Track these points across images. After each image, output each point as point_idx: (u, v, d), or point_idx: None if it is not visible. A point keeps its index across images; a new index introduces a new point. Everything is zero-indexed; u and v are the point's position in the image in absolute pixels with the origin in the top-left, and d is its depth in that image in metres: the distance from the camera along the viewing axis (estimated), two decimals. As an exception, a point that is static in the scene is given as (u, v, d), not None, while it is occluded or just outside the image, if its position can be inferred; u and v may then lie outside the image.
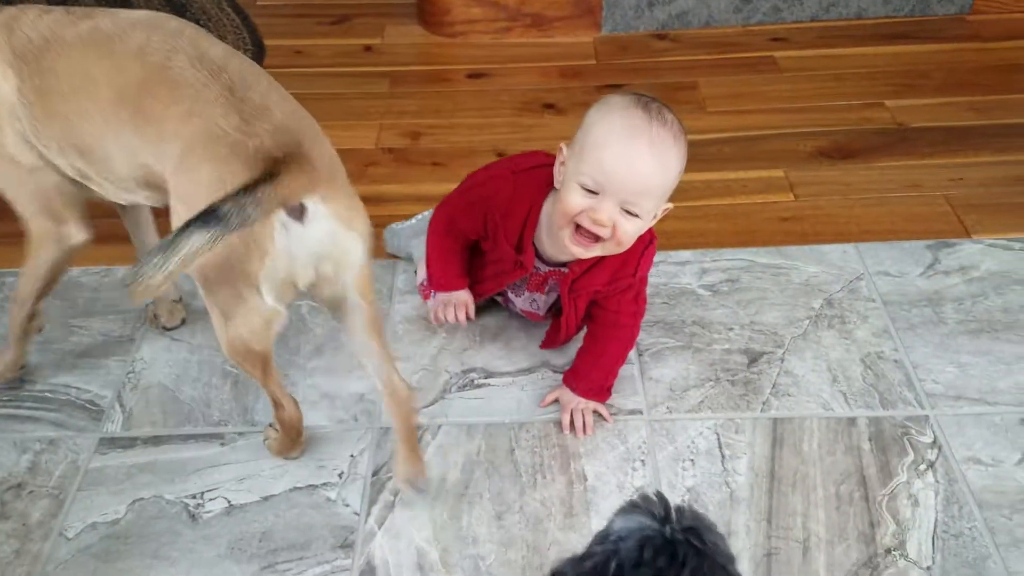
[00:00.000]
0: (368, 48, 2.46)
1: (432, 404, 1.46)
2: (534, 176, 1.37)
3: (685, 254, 1.74)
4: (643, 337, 1.56)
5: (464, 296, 1.49)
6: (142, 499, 1.33)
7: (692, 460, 1.36)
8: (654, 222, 1.31)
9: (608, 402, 1.45)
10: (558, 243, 1.33)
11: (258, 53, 2.39)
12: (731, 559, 0.80)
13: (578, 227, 1.26)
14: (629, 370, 1.51)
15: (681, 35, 2.46)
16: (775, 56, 2.34)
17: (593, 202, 1.23)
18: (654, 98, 1.28)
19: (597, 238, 1.26)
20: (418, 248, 1.60)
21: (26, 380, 1.52)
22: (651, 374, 1.50)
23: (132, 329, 1.61)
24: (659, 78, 2.28)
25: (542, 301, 1.50)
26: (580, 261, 1.35)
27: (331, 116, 2.16)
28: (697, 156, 1.98)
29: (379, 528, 1.28)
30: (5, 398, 1.49)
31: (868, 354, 1.52)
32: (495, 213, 1.38)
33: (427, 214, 1.62)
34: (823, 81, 2.24)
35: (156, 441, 1.41)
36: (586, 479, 1.34)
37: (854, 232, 1.78)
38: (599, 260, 1.35)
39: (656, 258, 1.69)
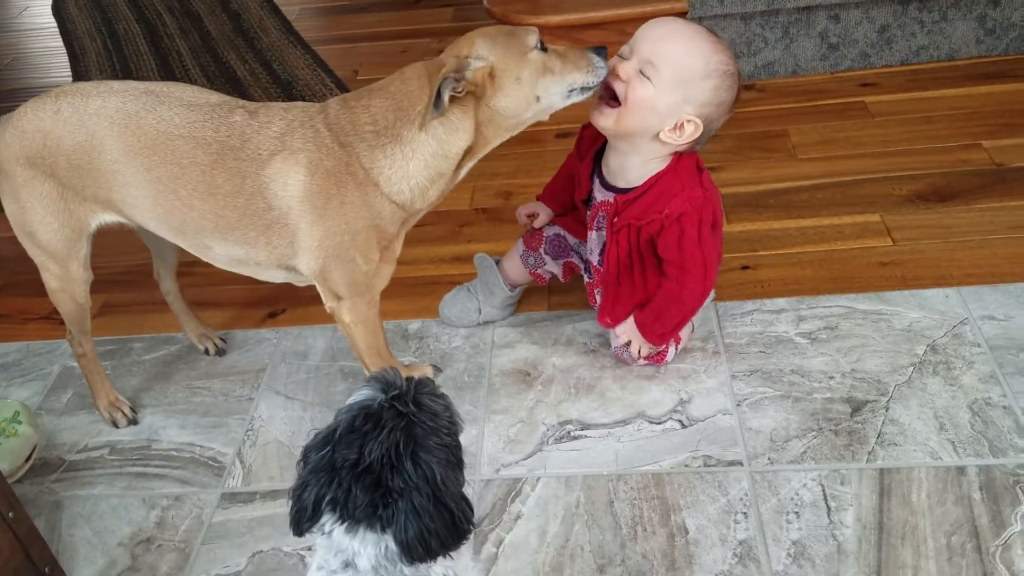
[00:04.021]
0: (461, 113, 2.56)
1: (530, 456, 1.50)
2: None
3: (780, 302, 1.74)
4: (740, 387, 1.57)
5: (537, 204, 1.71)
6: (261, 552, 1.40)
7: (797, 513, 1.35)
8: (676, 134, 1.39)
9: (706, 452, 1.46)
10: (611, 141, 1.48)
11: (358, 123, 2.52)
12: (435, 414, 0.90)
13: (602, 98, 1.40)
14: (727, 420, 1.51)
15: (768, 85, 2.47)
16: (865, 101, 2.33)
17: (617, 61, 1.39)
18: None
19: (613, 100, 1.38)
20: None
21: (153, 439, 1.63)
22: (750, 424, 1.50)
23: (250, 389, 1.71)
24: (748, 128, 2.30)
25: (595, 241, 1.57)
26: (631, 193, 1.46)
27: (428, 180, 2.26)
28: (790, 203, 2.00)
29: (484, 580, 1.32)
30: (134, 457, 1.60)
31: (975, 400, 1.49)
32: (581, 131, 1.60)
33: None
34: (916, 124, 2.21)
35: (274, 495, 1.49)
36: (687, 532, 1.35)
37: (956, 276, 1.74)
38: (642, 192, 1.45)
39: (751, 306, 1.73)
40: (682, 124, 1.38)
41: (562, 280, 1.75)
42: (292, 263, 1.38)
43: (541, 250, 1.70)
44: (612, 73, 1.38)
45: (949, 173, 2.02)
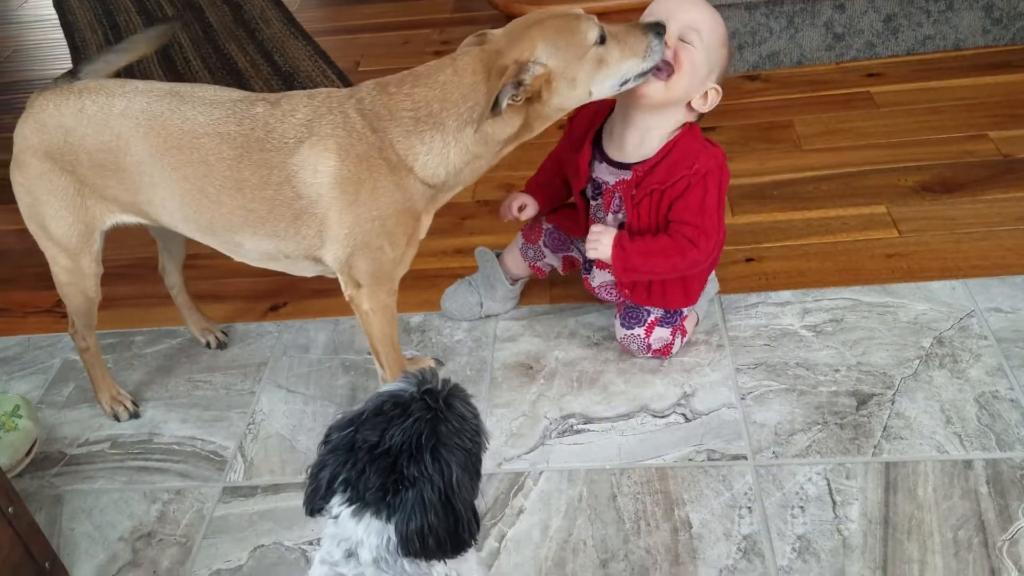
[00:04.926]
0: (463, 104, 2.54)
1: (533, 450, 1.49)
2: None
3: (786, 294, 1.72)
4: (744, 380, 1.55)
5: (524, 196, 1.64)
6: (263, 546, 1.39)
7: (802, 507, 1.34)
8: (703, 102, 1.43)
9: (710, 446, 1.45)
10: (629, 115, 1.45)
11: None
12: (462, 417, 0.90)
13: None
14: (732, 414, 1.50)
15: (773, 75, 2.45)
16: (871, 91, 2.31)
17: None
18: None
19: (667, 69, 1.37)
20: None
21: (155, 433, 1.62)
22: (755, 418, 1.49)
23: (252, 382, 1.70)
24: (752, 118, 2.28)
25: (611, 224, 1.55)
26: (647, 162, 1.46)
27: (430, 172, 2.24)
28: (794, 194, 1.99)
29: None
30: (136, 451, 1.59)
31: (982, 394, 1.47)
32: (570, 123, 1.57)
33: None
34: (922, 115, 2.19)
35: (275, 489, 1.48)
36: (691, 527, 1.34)
37: (962, 268, 1.73)
38: (663, 157, 1.45)
39: (755, 299, 1.71)
40: (707, 92, 1.43)
41: (561, 273, 1.74)
42: (319, 253, 1.37)
43: (540, 243, 1.69)
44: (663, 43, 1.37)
45: (955, 164, 2.01)
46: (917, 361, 1.55)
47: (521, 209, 1.66)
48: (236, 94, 1.36)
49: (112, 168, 1.35)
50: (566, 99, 1.29)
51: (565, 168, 1.60)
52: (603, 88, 1.31)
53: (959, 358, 1.54)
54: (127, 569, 1.39)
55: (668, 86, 1.39)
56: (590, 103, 1.47)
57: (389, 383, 0.93)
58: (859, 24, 2.39)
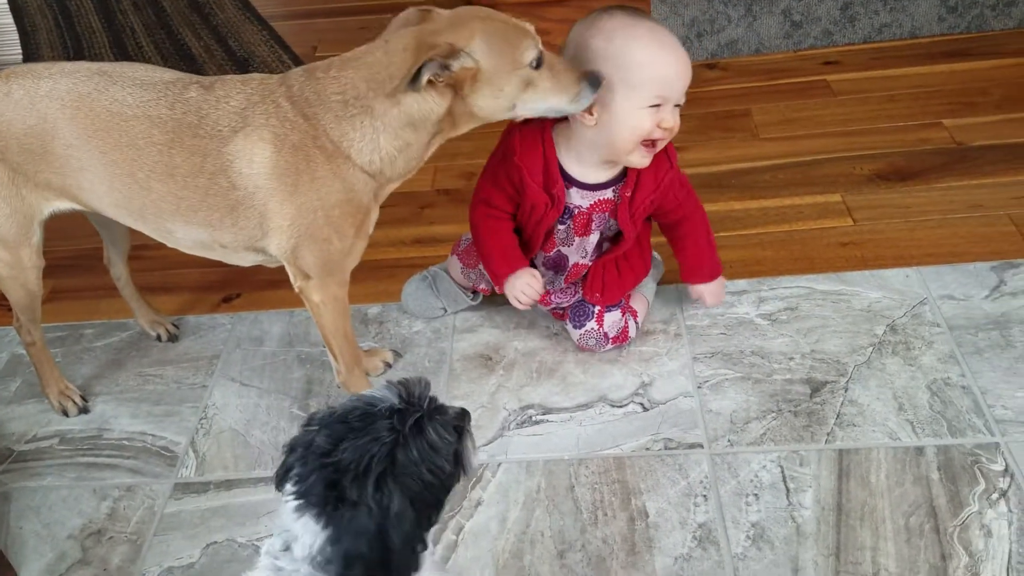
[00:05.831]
0: (422, 92, 2.52)
1: (492, 442, 1.48)
2: (532, 123, 1.45)
3: (741, 283, 1.73)
4: (701, 369, 1.56)
5: (527, 272, 1.52)
6: (216, 543, 1.37)
7: (756, 495, 1.35)
8: None
9: (667, 435, 1.45)
10: (610, 158, 1.43)
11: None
12: (432, 446, 0.85)
13: (645, 141, 1.38)
14: (688, 403, 1.50)
15: (731, 64, 2.46)
16: (828, 80, 2.32)
17: (660, 114, 1.35)
18: (627, 6, 1.39)
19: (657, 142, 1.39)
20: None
21: (104, 429, 1.59)
22: (711, 406, 1.49)
23: (204, 376, 1.67)
24: (710, 107, 2.28)
25: (590, 246, 1.54)
26: (627, 181, 1.46)
27: (388, 160, 2.22)
28: (752, 183, 1.99)
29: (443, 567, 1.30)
30: (85, 447, 1.56)
31: (934, 381, 1.49)
32: (514, 161, 1.46)
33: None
34: (878, 103, 2.21)
35: (228, 485, 1.46)
36: (647, 516, 1.34)
37: (916, 255, 1.74)
38: (638, 171, 1.45)
39: (713, 288, 1.71)
40: None
41: (498, 292, 1.67)
42: (261, 244, 1.34)
43: (479, 267, 1.65)
44: (664, 128, 1.36)
45: (910, 152, 2.03)
46: (870, 348, 1.56)
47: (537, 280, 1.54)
48: (168, 75, 1.33)
49: (40, 153, 1.31)
50: (489, 105, 1.27)
51: (533, 212, 1.50)
52: (527, 109, 1.30)
53: (912, 345, 1.56)
54: (77, 568, 1.36)
55: (656, 150, 1.41)
56: (533, 140, 1.45)
57: (377, 389, 0.89)
58: (816, 12, 2.40)
